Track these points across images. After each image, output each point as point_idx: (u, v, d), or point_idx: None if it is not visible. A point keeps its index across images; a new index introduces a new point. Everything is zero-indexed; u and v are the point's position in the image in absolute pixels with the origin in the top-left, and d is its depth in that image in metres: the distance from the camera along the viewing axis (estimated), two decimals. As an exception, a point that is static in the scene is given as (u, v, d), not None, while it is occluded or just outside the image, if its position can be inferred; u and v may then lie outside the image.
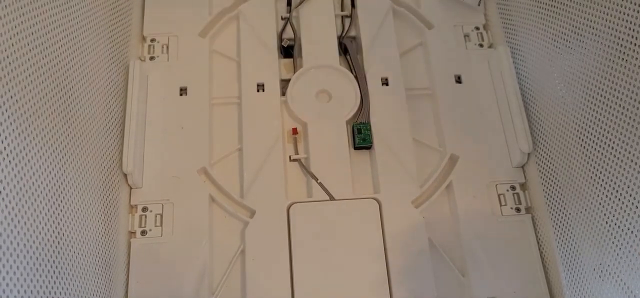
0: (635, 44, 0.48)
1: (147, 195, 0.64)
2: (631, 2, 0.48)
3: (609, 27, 0.51)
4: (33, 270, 0.41)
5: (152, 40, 0.73)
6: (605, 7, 0.52)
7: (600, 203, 0.54)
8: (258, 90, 0.70)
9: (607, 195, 0.53)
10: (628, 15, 0.48)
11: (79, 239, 0.51)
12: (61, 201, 0.48)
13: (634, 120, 0.49)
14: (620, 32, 0.50)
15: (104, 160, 0.59)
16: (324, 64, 0.72)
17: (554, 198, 0.62)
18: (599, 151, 0.54)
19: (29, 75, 0.45)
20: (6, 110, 0.41)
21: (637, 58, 0.48)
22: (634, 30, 0.48)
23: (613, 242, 0.52)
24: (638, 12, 0.47)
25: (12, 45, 0.42)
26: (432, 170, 0.67)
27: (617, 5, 0.50)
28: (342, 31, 0.76)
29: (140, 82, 0.67)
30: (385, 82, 0.71)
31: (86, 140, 0.55)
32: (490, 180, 0.66)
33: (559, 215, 0.61)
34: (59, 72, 0.51)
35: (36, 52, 0.46)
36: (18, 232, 0.40)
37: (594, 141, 0.55)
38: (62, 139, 0.50)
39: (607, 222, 0.53)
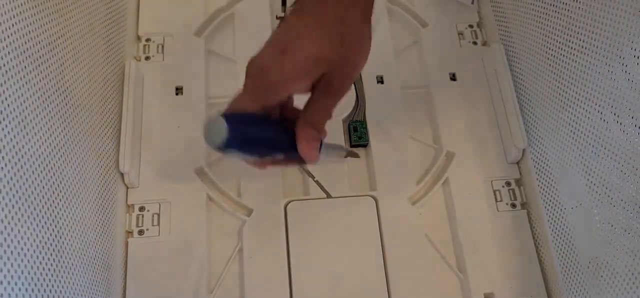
0: (629, 40, 0.48)
1: (144, 194, 0.64)
2: (621, 3, 0.49)
3: (601, 23, 0.52)
4: (31, 269, 0.41)
5: (148, 40, 0.73)
6: (598, 4, 0.52)
7: (594, 198, 0.55)
8: (254, 89, 0.70)
9: (600, 191, 0.54)
10: (621, 11, 0.49)
11: (77, 239, 0.51)
12: (59, 201, 0.48)
13: (626, 117, 0.49)
14: (613, 28, 0.50)
15: (101, 159, 0.59)
16: (319, 62, 0.72)
17: (549, 194, 0.62)
18: (592, 146, 0.54)
19: (26, 74, 0.45)
20: (4, 110, 0.41)
21: (629, 55, 0.48)
22: (626, 24, 0.48)
23: (607, 237, 0.53)
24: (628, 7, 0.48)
25: (9, 45, 0.42)
26: (428, 167, 0.68)
27: (610, 2, 0.50)
28: (337, 30, 0.76)
29: (136, 81, 0.67)
30: (380, 80, 0.72)
31: (83, 140, 0.55)
32: (486, 177, 0.67)
33: (554, 210, 0.61)
34: (56, 72, 0.51)
35: (33, 52, 0.46)
36: (17, 232, 0.40)
37: (587, 136, 0.55)
38: (60, 138, 0.50)
39: (600, 217, 0.54)
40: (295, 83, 0.44)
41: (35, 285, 0.42)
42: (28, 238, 0.41)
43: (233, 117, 0.42)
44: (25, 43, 0.45)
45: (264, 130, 0.46)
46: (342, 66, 0.45)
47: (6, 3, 0.42)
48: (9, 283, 0.38)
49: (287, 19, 0.45)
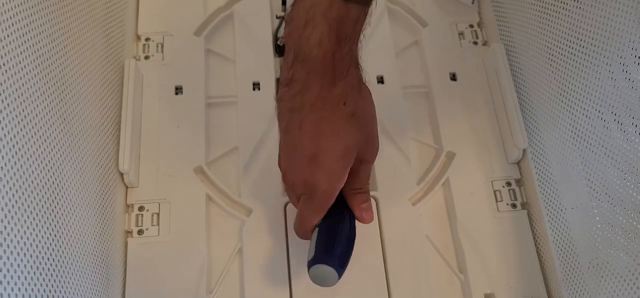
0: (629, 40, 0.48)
1: (144, 194, 0.64)
2: (622, 4, 0.49)
3: (602, 24, 0.52)
4: (30, 269, 0.41)
5: (147, 39, 0.73)
6: (598, 5, 0.52)
7: (594, 199, 0.55)
8: (254, 89, 0.70)
9: (600, 191, 0.53)
10: (622, 12, 0.49)
11: (76, 239, 0.50)
12: (58, 200, 0.48)
13: (626, 117, 0.49)
14: (614, 29, 0.50)
15: (100, 159, 0.59)
16: (319, 62, 0.72)
17: (549, 194, 0.62)
18: (592, 147, 0.54)
19: (25, 74, 0.44)
20: (3, 109, 0.40)
21: (629, 56, 0.48)
22: (627, 25, 0.48)
23: (607, 237, 0.53)
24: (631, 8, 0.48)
25: (8, 44, 0.42)
26: (429, 167, 0.67)
27: (610, 3, 0.50)
28: (337, 30, 0.76)
29: (135, 81, 0.67)
30: (380, 80, 0.72)
31: (83, 139, 0.55)
32: (487, 177, 0.67)
33: (554, 210, 0.61)
34: (55, 71, 0.50)
35: (32, 51, 0.46)
36: (16, 232, 0.40)
37: (587, 137, 0.55)
38: (59, 138, 0.50)
39: (601, 217, 0.54)
40: (342, 182, 0.50)
41: (35, 285, 0.41)
42: (27, 238, 0.41)
43: (327, 254, 0.49)
44: (25, 42, 0.45)
45: (343, 234, 0.52)
46: (368, 139, 0.50)
47: (5, 2, 0.42)
48: (8, 283, 0.38)
49: (288, 120, 0.49)
